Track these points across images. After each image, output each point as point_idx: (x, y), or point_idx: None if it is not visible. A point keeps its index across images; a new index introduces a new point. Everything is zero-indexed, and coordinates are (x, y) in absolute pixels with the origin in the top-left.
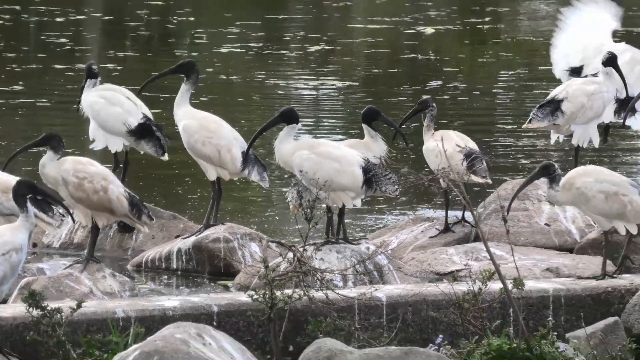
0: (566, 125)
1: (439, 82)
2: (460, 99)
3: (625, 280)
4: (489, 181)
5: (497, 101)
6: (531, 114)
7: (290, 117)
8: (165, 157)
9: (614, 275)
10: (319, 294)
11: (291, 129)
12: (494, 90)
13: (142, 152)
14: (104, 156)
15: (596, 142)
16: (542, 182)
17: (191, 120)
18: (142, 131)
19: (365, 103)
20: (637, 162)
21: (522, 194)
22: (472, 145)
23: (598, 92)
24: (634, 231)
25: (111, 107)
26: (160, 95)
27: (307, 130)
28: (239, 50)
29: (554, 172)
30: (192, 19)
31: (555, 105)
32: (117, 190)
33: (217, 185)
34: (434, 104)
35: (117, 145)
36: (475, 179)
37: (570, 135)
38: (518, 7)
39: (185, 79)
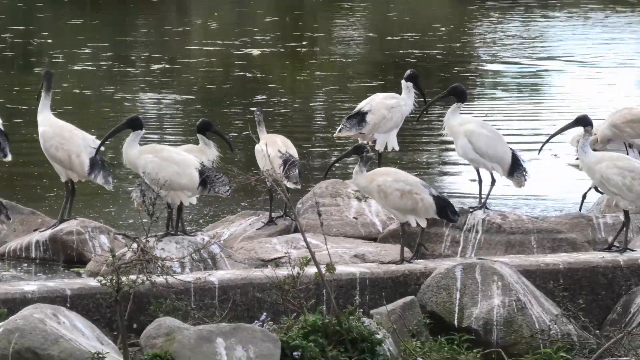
0: (370, 134)
1: (264, 96)
2: (283, 110)
3: (420, 265)
4: (298, 187)
5: (314, 113)
6: (341, 124)
7: (135, 124)
8: (9, 158)
9: (411, 261)
10: (159, 279)
11: (136, 135)
12: (310, 104)
13: None
14: None
15: (396, 147)
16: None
17: (48, 127)
18: None
19: (201, 114)
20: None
21: (334, 191)
22: (293, 151)
23: (397, 106)
24: (424, 224)
25: None
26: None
27: (151, 137)
28: (90, 68)
29: (364, 152)
30: (50, 41)
31: (361, 117)
32: None
33: (71, 185)
34: (260, 112)
35: None
36: (288, 184)
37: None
38: (332, 33)
39: (45, 88)
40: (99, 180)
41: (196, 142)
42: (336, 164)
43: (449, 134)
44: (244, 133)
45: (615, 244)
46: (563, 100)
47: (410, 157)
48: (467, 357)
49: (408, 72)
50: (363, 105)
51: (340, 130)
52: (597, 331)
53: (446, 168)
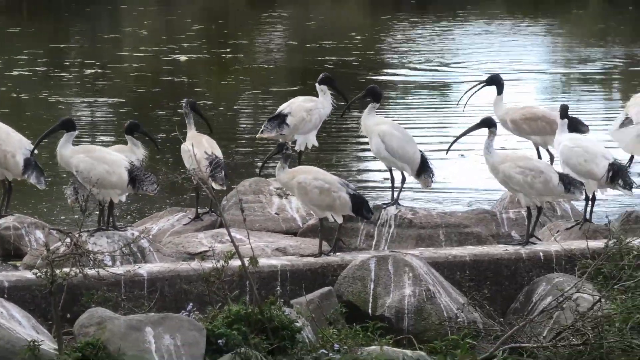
0: (290, 135)
1: (188, 106)
2: (209, 113)
3: (337, 258)
4: (224, 188)
5: (237, 115)
6: (263, 126)
7: (68, 126)
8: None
9: (329, 254)
10: (92, 272)
11: (70, 136)
12: (235, 107)
13: None
14: None
15: (316, 144)
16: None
17: None
18: None
19: (131, 117)
20: (348, 163)
21: (257, 189)
22: (218, 152)
23: (315, 108)
24: (340, 220)
25: None
26: None
27: (83, 138)
28: (27, 73)
29: (286, 151)
30: None
31: (281, 119)
32: None
33: (8, 183)
34: (188, 103)
35: None
36: (214, 185)
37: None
38: (254, 40)
39: None
40: (32, 179)
41: (126, 143)
42: (261, 170)
43: (364, 132)
44: (172, 134)
45: (538, 236)
46: (469, 105)
47: (329, 156)
48: (380, 343)
49: (321, 75)
50: (283, 108)
51: (262, 132)
52: (501, 319)
53: (362, 165)
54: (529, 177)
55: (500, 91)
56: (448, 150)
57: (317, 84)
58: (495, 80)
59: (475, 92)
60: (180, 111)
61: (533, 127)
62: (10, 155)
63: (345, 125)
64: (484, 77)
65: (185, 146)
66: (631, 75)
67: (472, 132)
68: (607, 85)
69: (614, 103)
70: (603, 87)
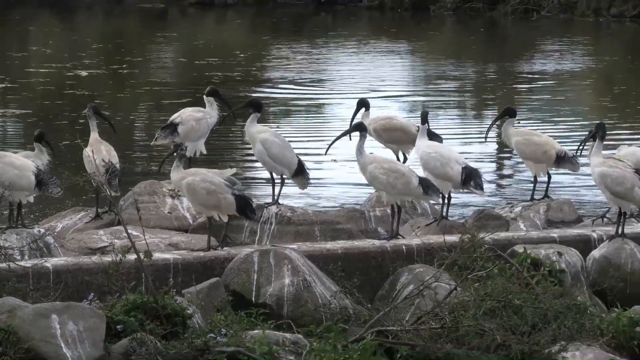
0: (181, 142)
1: (91, 110)
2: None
3: (224, 252)
4: (118, 194)
5: (133, 125)
6: (156, 134)
7: None
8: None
9: (217, 248)
10: (2, 265)
11: None
12: (131, 117)
13: None
14: None
15: (204, 152)
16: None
17: None
18: None
19: (37, 126)
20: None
21: (151, 190)
22: (115, 159)
23: (203, 118)
24: (225, 219)
25: None
26: None
27: None
28: None
29: (181, 151)
30: None
31: (173, 128)
32: None
33: None
34: (91, 107)
35: None
36: (110, 191)
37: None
38: (148, 58)
39: None
40: None
41: (33, 150)
42: (160, 167)
43: (248, 140)
44: (75, 141)
45: (401, 232)
46: (341, 117)
47: (222, 161)
48: (263, 328)
49: (208, 88)
50: (174, 117)
51: (156, 139)
52: (369, 305)
53: (249, 167)
54: (392, 178)
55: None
56: (327, 151)
57: (204, 96)
58: (363, 104)
59: (354, 116)
60: (81, 121)
61: (392, 136)
62: None
63: (232, 134)
64: (353, 92)
65: (87, 152)
66: (482, 89)
67: (346, 135)
68: (461, 98)
69: (467, 113)
70: (457, 99)
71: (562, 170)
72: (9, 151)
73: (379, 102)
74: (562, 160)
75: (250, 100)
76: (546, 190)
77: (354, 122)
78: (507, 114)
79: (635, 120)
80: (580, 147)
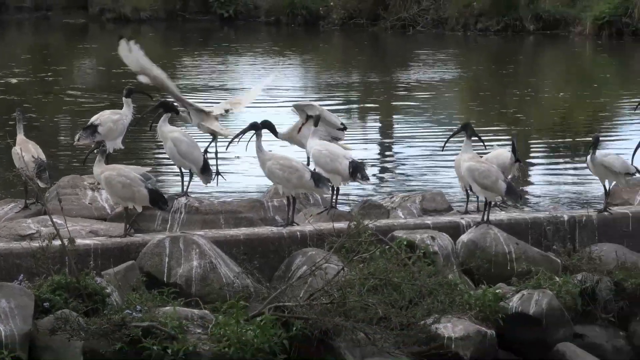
0: (102, 140)
1: (20, 114)
2: (34, 124)
3: (139, 238)
4: (48, 185)
5: (58, 125)
6: (78, 134)
7: None
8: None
9: (131, 235)
10: None
11: None
12: (55, 119)
13: None
14: None
15: (122, 147)
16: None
17: None
18: None
19: None
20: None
21: (74, 183)
22: (42, 156)
23: (120, 119)
24: (139, 209)
25: None
26: None
27: None
28: None
29: (102, 147)
30: None
31: (93, 129)
32: None
33: None
34: (21, 112)
35: None
36: (40, 183)
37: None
38: (71, 66)
39: None
40: None
41: None
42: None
43: (160, 138)
44: (8, 141)
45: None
46: (243, 120)
47: (136, 157)
48: (174, 305)
49: (125, 90)
50: (94, 119)
51: (78, 139)
52: (268, 284)
53: (163, 162)
54: (287, 173)
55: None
56: (227, 148)
57: (123, 97)
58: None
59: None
60: (11, 122)
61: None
62: None
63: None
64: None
65: (16, 150)
66: (367, 94)
67: (244, 134)
68: (348, 103)
69: (352, 117)
70: (346, 104)
71: None
72: None
73: (276, 110)
74: None
75: (161, 102)
76: None
77: (249, 123)
78: (464, 130)
79: (499, 121)
80: (444, 144)
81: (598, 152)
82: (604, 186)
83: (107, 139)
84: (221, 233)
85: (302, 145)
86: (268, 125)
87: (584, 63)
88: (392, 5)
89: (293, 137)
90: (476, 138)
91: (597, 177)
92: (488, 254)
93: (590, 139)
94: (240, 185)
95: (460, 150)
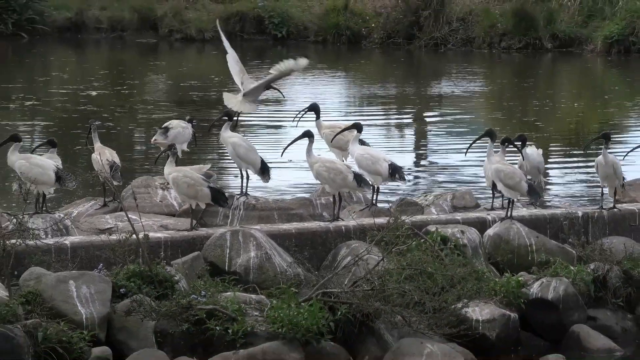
0: (174, 144)
1: (99, 122)
2: (112, 131)
3: (203, 232)
4: (121, 184)
5: (132, 132)
6: (155, 135)
7: (16, 139)
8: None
9: (197, 229)
10: (31, 242)
11: (16, 146)
12: (129, 127)
13: None
14: None
15: (187, 149)
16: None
17: None
18: None
19: (56, 134)
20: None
21: (146, 184)
22: (116, 159)
23: (186, 127)
24: (203, 206)
25: None
26: None
27: (24, 148)
28: None
29: (174, 150)
30: None
31: (166, 130)
32: None
33: None
34: (94, 123)
35: None
36: (115, 182)
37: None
38: (144, 80)
39: None
40: None
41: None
42: (155, 162)
43: (223, 143)
44: (88, 147)
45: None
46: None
47: (204, 159)
48: (234, 290)
49: (187, 118)
50: (167, 124)
51: (154, 140)
52: (316, 272)
53: (224, 165)
54: (332, 174)
55: (318, 116)
56: (282, 154)
57: (185, 121)
58: (314, 107)
59: (302, 114)
60: (90, 120)
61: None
62: None
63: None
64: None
65: (95, 155)
66: (404, 105)
67: (297, 140)
68: (389, 111)
69: (390, 122)
70: (385, 114)
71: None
72: (36, 154)
73: (325, 117)
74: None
75: (225, 111)
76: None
77: (302, 132)
78: (488, 135)
79: (522, 129)
80: (468, 147)
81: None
82: (603, 186)
83: (176, 141)
84: (275, 227)
85: (341, 149)
86: (315, 107)
87: (596, 77)
88: (425, 26)
89: (335, 144)
90: (498, 142)
91: (599, 178)
92: (511, 246)
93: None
94: (292, 185)
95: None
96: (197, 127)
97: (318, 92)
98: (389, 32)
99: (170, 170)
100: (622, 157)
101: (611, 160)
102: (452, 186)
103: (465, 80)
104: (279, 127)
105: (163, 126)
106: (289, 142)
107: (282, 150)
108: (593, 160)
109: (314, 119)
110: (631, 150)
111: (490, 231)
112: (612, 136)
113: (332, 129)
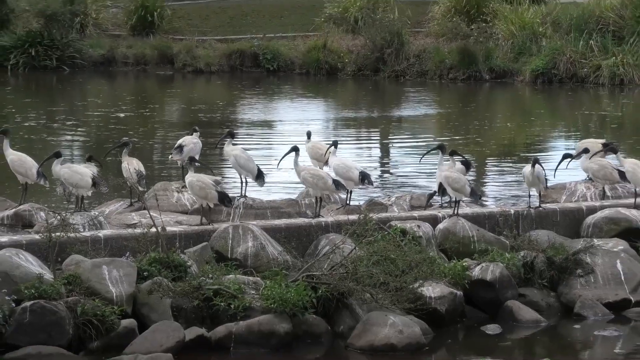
0: (194, 157)
1: (126, 138)
2: (137, 146)
3: (210, 226)
4: (145, 190)
5: (153, 148)
6: (171, 152)
7: (58, 154)
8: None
9: (205, 224)
10: (72, 235)
11: (59, 160)
12: (150, 142)
13: None
14: None
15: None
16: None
17: (13, 156)
18: None
19: (89, 150)
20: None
21: (165, 188)
22: (142, 168)
23: (197, 142)
24: (212, 205)
25: None
26: None
27: (65, 159)
28: (33, 124)
29: (194, 160)
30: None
31: (180, 148)
32: None
33: (25, 185)
34: (127, 141)
35: None
36: (140, 188)
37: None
38: (164, 104)
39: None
40: (41, 182)
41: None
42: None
43: (226, 155)
44: (117, 158)
45: (321, 213)
46: (283, 142)
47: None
48: (235, 273)
49: (192, 129)
50: (180, 142)
51: (171, 156)
52: (302, 259)
53: (228, 174)
54: (315, 180)
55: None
56: (278, 164)
57: (194, 132)
58: (295, 149)
59: (285, 156)
60: (123, 139)
61: (318, 155)
62: (29, 168)
63: (215, 152)
64: (291, 129)
65: (124, 165)
66: (372, 124)
67: (287, 155)
68: (365, 132)
69: (361, 139)
70: (356, 132)
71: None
72: (76, 164)
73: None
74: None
75: (228, 131)
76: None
77: (290, 147)
78: (439, 148)
79: (464, 144)
80: (422, 157)
81: (529, 168)
82: (530, 191)
83: (189, 155)
84: (268, 223)
85: (319, 160)
86: (295, 149)
87: (524, 103)
88: (388, 61)
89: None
90: (447, 155)
91: (526, 185)
92: (457, 237)
93: (530, 157)
94: (282, 189)
95: (436, 163)
96: (204, 143)
97: (302, 115)
98: (359, 66)
99: (189, 175)
100: (552, 175)
101: (536, 172)
102: (410, 189)
103: (420, 105)
104: (269, 148)
105: (177, 145)
106: (282, 155)
107: (277, 162)
108: (522, 170)
109: (294, 156)
110: (556, 168)
111: (440, 225)
112: (536, 153)
113: (314, 145)
